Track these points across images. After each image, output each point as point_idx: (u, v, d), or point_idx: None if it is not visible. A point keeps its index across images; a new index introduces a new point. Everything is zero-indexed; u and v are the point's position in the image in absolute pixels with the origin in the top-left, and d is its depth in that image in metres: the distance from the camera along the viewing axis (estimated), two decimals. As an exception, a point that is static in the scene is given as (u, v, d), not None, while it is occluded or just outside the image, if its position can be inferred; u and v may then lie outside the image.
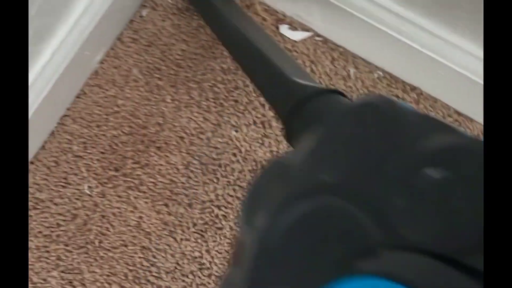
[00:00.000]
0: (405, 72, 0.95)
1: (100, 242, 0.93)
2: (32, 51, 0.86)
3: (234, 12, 0.76)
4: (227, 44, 0.76)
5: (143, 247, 0.93)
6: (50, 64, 0.89)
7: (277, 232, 0.32)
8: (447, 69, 0.87)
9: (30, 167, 0.97)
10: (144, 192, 0.94)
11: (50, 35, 0.88)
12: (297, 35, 0.97)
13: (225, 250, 0.92)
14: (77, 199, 0.95)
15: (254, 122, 0.95)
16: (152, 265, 0.92)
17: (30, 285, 0.93)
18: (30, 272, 0.93)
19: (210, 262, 0.92)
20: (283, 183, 0.34)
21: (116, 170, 0.95)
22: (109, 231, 0.94)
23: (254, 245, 0.32)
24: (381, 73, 0.96)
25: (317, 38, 0.97)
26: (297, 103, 0.49)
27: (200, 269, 0.92)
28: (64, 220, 0.95)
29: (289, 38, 0.97)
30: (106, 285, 0.92)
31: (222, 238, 0.92)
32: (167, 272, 0.92)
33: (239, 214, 0.35)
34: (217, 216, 0.93)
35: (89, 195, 0.95)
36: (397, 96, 0.95)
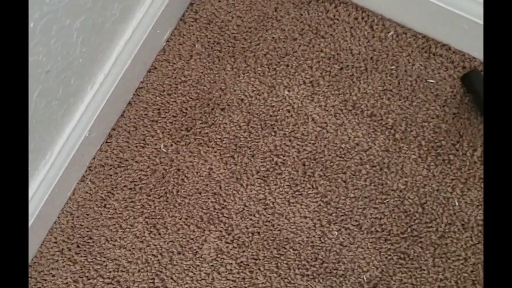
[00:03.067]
0: (434, 31, 1.08)
1: (178, 191, 1.08)
2: (117, 29, 1.02)
3: None
4: None
5: (214, 193, 1.07)
6: (131, 41, 1.05)
7: None
8: (470, 23, 1.00)
9: (112, 132, 1.12)
10: (213, 147, 1.09)
11: (131, 15, 1.04)
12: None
13: (285, 191, 1.06)
14: (155, 156, 1.10)
15: (304, 82, 1.10)
16: (223, 207, 1.06)
17: (119, 230, 1.08)
18: (118, 220, 1.08)
19: (273, 202, 1.06)
20: None
21: (187, 130, 1.10)
22: (184, 181, 1.08)
23: None
24: (414, 33, 1.09)
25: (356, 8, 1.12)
26: None
27: (264, 208, 1.06)
28: (145, 175, 1.10)
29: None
30: (185, 226, 1.06)
31: (282, 181, 1.06)
32: (236, 213, 1.06)
33: None
34: (276, 163, 1.07)
35: (165, 152, 1.10)
36: (430, 52, 1.08)
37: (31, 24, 0.77)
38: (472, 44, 1.06)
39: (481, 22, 0.99)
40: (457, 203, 1.02)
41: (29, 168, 0.97)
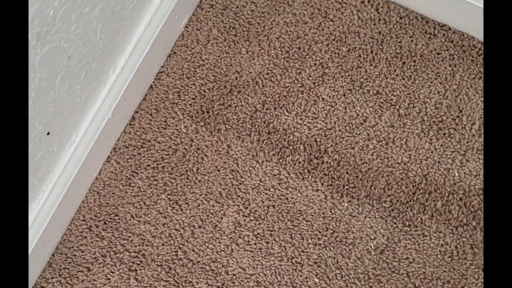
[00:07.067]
0: (435, 12, 1.15)
1: (198, 169, 1.16)
2: (136, 16, 1.08)
3: None
4: None
5: (232, 170, 1.15)
6: (150, 27, 1.12)
7: None
8: (466, 4, 1.07)
9: (135, 115, 1.19)
10: (230, 127, 1.16)
11: (149, 2, 1.10)
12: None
13: (298, 167, 1.13)
14: (176, 137, 1.18)
15: (315, 64, 1.17)
16: (240, 183, 1.14)
17: (143, 207, 1.15)
18: (142, 197, 1.16)
19: (286, 177, 1.13)
20: None
21: (206, 111, 1.18)
22: (203, 160, 1.16)
23: None
24: (416, 15, 1.16)
25: (361, -8, 1.18)
26: None
27: (279, 183, 1.13)
28: (166, 154, 1.17)
29: (337, -6, 1.19)
30: (205, 202, 1.14)
31: (295, 157, 1.14)
32: (253, 188, 1.14)
33: None
34: (290, 140, 1.14)
35: (186, 133, 1.17)
36: (430, 33, 1.15)
37: (50, 12, 0.82)
38: (470, 24, 1.13)
39: (476, 3, 1.06)
40: (456, 174, 1.10)
41: (55, 149, 1.04)
